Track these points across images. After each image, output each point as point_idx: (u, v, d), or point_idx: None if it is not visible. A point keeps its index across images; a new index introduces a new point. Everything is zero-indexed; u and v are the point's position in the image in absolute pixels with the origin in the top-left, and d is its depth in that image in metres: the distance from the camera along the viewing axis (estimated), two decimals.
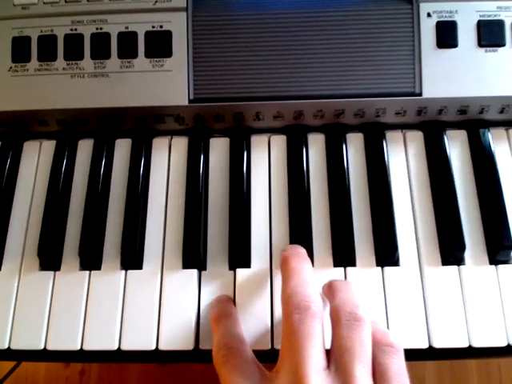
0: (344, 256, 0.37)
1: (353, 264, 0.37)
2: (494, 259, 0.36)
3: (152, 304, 0.35)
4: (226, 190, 0.39)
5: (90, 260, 0.37)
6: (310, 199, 0.39)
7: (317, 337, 0.28)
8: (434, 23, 0.38)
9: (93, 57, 0.39)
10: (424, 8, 0.38)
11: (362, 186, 0.39)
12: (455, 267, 0.36)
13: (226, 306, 0.35)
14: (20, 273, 0.37)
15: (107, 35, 0.39)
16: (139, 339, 0.35)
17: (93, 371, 0.78)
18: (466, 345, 0.34)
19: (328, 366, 0.27)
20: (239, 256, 0.37)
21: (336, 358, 0.28)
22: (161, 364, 0.76)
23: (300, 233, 0.37)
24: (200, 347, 0.34)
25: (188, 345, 0.34)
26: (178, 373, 0.76)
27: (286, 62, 0.38)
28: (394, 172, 0.40)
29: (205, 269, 0.37)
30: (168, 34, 0.39)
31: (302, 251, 0.34)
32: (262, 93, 0.38)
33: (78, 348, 0.35)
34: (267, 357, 0.34)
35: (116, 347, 0.34)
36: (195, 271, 0.36)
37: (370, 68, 0.38)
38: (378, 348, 0.29)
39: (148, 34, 0.39)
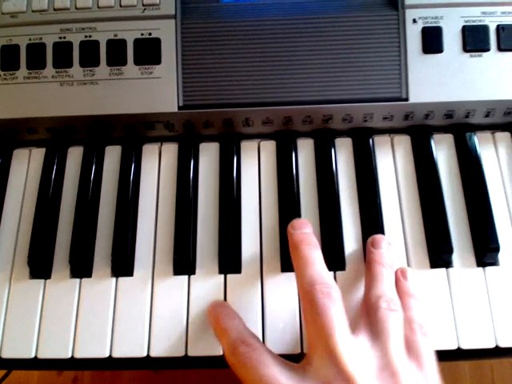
0: (335, 260, 0.37)
1: (342, 268, 0.37)
2: (482, 261, 0.37)
3: (143, 311, 0.36)
4: (217, 196, 0.40)
5: (81, 268, 0.37)
6: (299, 204, 0.39)
7: (342, 317, 0.29)
8: (420, 29, 0.39)
9: (82, 64, 0.39)
10: (410, 14, 0.39)
11: (351, 190, 0.40)
12: (443, 270, 0.37)
13: (227, 307, 0.35)
14: (10, 281, 0.37)
15: (96, 43, 0.39)
16: (130, 346, 0.35)
17: (86, 379, 0.77)
18: (455, 347, 0.34)
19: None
20: (230, 262, 0.37)
21: (374, 333, 0.30)
22: (154, 371, 0.76)
23: None
24: (188, 354, 0.34)
25: (179, 351, 0.34)
26: (172, 379, 0.76)
27: (275, 69, 0.39)
28: (383, 176, 0.40)
29: (195, 274, 0.37)
30: (157, 42, 0.39)
31: (310, 235, 0.34)
32: (251, 99, 0.39)
33: (69, 356, 0.35)
34: None
35: (107, 355, 0.34)
36: (186, 278, 0.36)
37: (358, 74, 0.39)
38: (410, 332, 0.31)
39: (137, 41, 0.39)
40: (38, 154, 0.42)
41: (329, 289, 0.30)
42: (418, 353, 0.30)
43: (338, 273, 0.37)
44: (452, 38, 0.39)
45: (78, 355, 0.34)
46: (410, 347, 0.30)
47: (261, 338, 0.34)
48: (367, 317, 0.31)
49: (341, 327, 0.29)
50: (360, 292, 0.35)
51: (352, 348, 0.28)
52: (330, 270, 0.36)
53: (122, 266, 0.37)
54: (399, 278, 0.35)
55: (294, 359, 0.34)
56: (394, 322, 0.30)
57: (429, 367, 0.29)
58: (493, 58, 0.39)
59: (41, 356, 0.35)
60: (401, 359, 0.29)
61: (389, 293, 0.32)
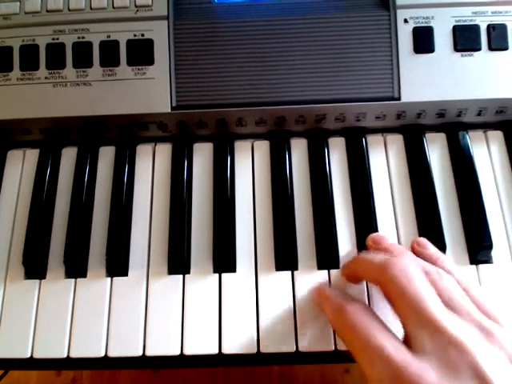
0: (328, 259, 0.37)
1: (336, 266, 0.37)
2: (475, 259, 0.37)
3: (138, 310, 0.36)
4: (211, 196, 0.40)
5: (76, 268, 0.37)
6: (293, 203, 0.39)
7: (431, 289, 0.29)
8: (411, 29, 0.39)
9: (75, 66, 0.39)
10: (401, 14, 0.39)
11: (344, 190, 0.40)
12: None
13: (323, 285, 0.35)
14: (5, 281, 0.37)
15: (89, 44, 0.39)
16: (126, 346, 0.35)
17: (85, 379, 0.77)
18: None
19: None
20: (224, 261, 0.37)
21: (450, 303, 0.28)
22: (153, 370, 0.76)
23: (284, 237, 0.38)
24: (184, 352, 0.34)
25: (175, 350, 0.35)
26: (171, 379, 0.76)
27: (267, 69, 0.39)
28: (376, 175, 0.40)
29: (189, 274, 0.37)
30: (150, 43, 0.39)
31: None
32: (244, 99, 0.39)
33: (65, 356, 0.35)
34: (254, 359, 0.35)
35: (103, 354, 0.35)
36: (180, 277, 0.37)
37: (350, 73, 0.39)
38: (466, 291, 0.30)
39: (130, 42, 0.39)
40: (32, 154, 0.42)
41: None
42: (486, 310, 0.29)
43: (332, 271, 0.37)
44: (443, 38, 0.39)
45: (73, 355, 0.35)
46: (478, 306, 0.29)
47: (255, 337, 0.35)
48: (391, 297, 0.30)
49: (433, 298, 0.28)
50: (354, 290, 0.36)
51: (448, 315, 0.27)
52: (323, 268, 0.37)
53: (117, 266, 0.37)
54: (421, 251, 0.34)
55: (289, 358, 0.35)
56: (454, 287, 0.29)
57: (505, 321, 0.28)
58: (484, 57, 0.39)
59: (36, 356, 0.35)
60: (486, 320, 0.28)
61: (428, 264, 0.31)
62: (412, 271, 0.29)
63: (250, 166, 0.41)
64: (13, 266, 0.38)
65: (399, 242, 0.38)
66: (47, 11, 0.39)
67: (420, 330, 0.27)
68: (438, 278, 0.29)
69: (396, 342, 0.27)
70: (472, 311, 0.28)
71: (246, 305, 0.36)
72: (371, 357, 0.27)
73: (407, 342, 0.28)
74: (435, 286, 0.29)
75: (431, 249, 0.34)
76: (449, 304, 0.28)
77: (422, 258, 0.33)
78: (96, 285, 0.37)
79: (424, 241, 0.35)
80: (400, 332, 0.29)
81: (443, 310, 0.27)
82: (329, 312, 0.32)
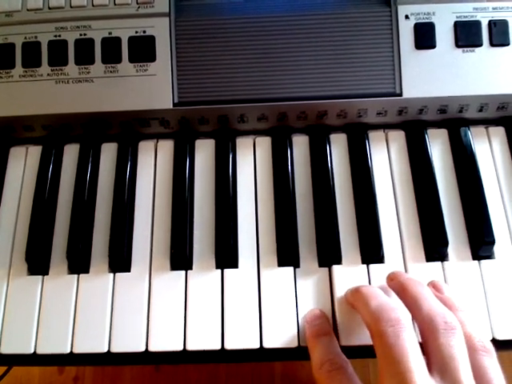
0: (330, 255, 0.37)
1: (339, 262, 0.37)
2: (477, 255, 0.37)
3: (141, 306, 0.36)
4: (213, 192, 0.40)
5: (78, 263, 0.37)
6: (295, 199, 0.39)
7: (415, 347, 0.28)
8: (412, 25, 0.39)
9: (77, 62, 0.39)
10: (402, 10, 0.39)
11: (346, 186, 0.40)
12: (439, 263, 0.37)
13: (324, 322, 0.34)
14: (8, 278, 0.37)
15: (91, 41, 0.39)
16: (129, 341, 0.35)
17: (87, 377, 0.77)
18: None
19: (431, 375, 0.27)
20: (226, 257, 0.37)
21: (441, 366, 0.27)
22: (155, 369, 0.76)
23: (286, 233, 0.38)
24: (187, 348, 0.35)
25: (177, 345, 0.35)
26: (173, 378, 0.76)
27: (269, 65, 0.39)
28: (378, 171, 0.40)
29: (192, 269, 0.37)
30: (151, 39, 0.39)
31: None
32: (246, 95, 0.39)
33: (68, 351, 0.35)
34: (256, 355, 0.35)
35: (106, 350, 0.35)
36: (183, 273, 0.37)
37: (351, 70, 0.39)
38: (474, 351, 0.28)
39: (131, 39, 0.39)
40: (35, 151, 0.42)
41: (397, 314, 0.29)
42: (485, 378, 0.27)
43: (334, 267, 0.37)
44: (444, 34, 0.39)
45: (76, 350, 0.35)
46: (479, 375, 0.27)
47: (258, 332, 0.35)
48: (425, 344, 0.29)
49: (416, 363, 0.27)
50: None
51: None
52: (326, 265, 0.37)
53: (120, 261, 0.37)
54: (435, 294, 0.32)
55: (290, 353, 0.35)
56: (458, 345, 0.28)
57: None
58: (485, 53, 0.39)
59: (40, 351, 0.35)
60: None
61: (439, 309, 0.30)
62: (403, 329, 0.28)
63: (251, 162, 0.41)
64: (16, 262, 0.38)
65: (401, 238, 0.38)
66: (49, 8, 0.40)
67: None
68: (443, 325, 0.28)
69: (422, 369, 0.27)
70: (463, 381, 0.26)
71: (248, 300, 0.36)
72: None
73: None
74: (436, 336, 0.28)
75: (446, 292, 0.33)
76: (442, 365, 0.27)
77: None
78: (99, 281, 0.37)
79: (440, 284, 0.34)
80: None
81: (424, 379, 0.26)
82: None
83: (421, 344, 0.29)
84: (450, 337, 0.28)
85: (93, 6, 0.39)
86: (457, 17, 0.39)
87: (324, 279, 0.37)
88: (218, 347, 0.35)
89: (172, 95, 0.39)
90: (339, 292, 0.36)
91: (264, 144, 0.42)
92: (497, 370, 0.28)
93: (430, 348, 0.28)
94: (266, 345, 0.34)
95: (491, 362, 0.28)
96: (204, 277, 0.37)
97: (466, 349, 0.28)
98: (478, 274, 0.36)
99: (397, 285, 0.33)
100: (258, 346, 0.35)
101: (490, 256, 0.37)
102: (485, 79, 0.39)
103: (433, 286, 0.34)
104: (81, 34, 0.39)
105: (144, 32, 0.39)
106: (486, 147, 0.41)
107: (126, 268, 0.37)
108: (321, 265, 0.37)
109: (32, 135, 0.42)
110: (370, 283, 0.36)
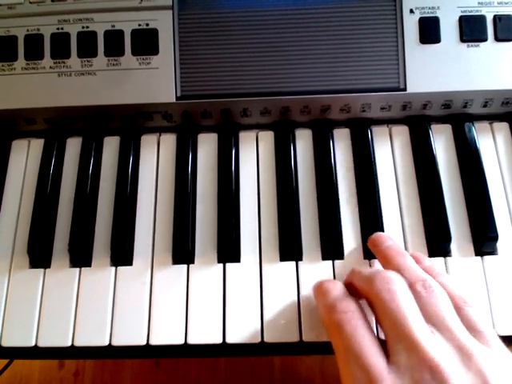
0: (333, 250, 0.37)
1: (341, 257, 0.37)
2: (480, 250, 0.37)
3: (142, 300, 0.36)
4: (215, 186, 0.40)
5: (80, 257, 0.37)
6: (298, 194, 0.39)
7: (413, 305, 0.28)
8: (417, 19, 0.39)
9: (80, 55, 0.39)
10: (407, 4, 0.39)
11: (349, 181, 0.40)
12: (441, 259, 0.37)
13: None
14: (10, 270, 0.37)
15: (94, 34, 0.39)
16: (130, 335, 0.35)
17: (87, 372, 0.77)
18: None
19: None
20: (228, 251, 0.37)
21: (430, 325, 0.28)
22: (156, 364, 0.76)
23: (288, 227, 0.38)
24: (188, 342, 0.35)
25: (179, 339, 0.35)
26: (173, 374, 0.76)
27: (272, 59, 0.39)
28: (381, 166, 0.40)
29: (194, 263, 0.37)
30: (154, 32, 0.39)
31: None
32: (249, 89, 0.39)
33: (69, 344, 0.35)
34: (258, 349, 0.35)
35: (107, 343, 0.35)
36: (185, 267, 0.37)
37: (355, 64, 0.39)
38: (459, 309, 0.29)
39: (134, 32, 0.39)
40: (37, 144, 0.42)
41: (395, 278, 0.29)
42: (476, 329, 0.28)
43: (337, 262, 0.37)
44: (449, 29, 0.39)
45: (77, 343, 0.35)
46: (467, 324, 0.28)
47: (259, 327, 0.35)
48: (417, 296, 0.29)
49: (415, 316, 0.27)
50: None
51: (427, 333, 0.27)
52: (328, 259, 0.37)
53: (122, 255, 0.37)
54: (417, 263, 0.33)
55: (293, 348, 0.35)
56: (442, 301, 0.29)
57: (494, 342, 0.27)
58: (490, 48, 0.39)
59: (41, 344, 0.35)
60: (469, 339, 0.27)
61: (420, 274, 0.31)
62: (397, 285, 0.29)
63: (254, 157, 0.41)
64: (17, 255, 0.38)
65: (404, 234, 0.38)
66: (52, 1, 0.39)
67: (397, 345, 0.26)
68: (423, 290, 0.29)
69: (377, 352, 0.27)
70: (455, 329, 0.27)
71: (250, 295, 0.36)
72: (349, 361, 0.27)
73: (388, 354, 0.27)
74: (420, 299, 0.29)
75: (426, 262, 0.34)
76: (431, 319, 0.28)
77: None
78: (100, 274, 0.37)
79: (419, 254, 0.35)
80: None
81: (422, 327, 0.27)
82: (320, 307, 0.31)
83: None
84: (432, 298, 0.29)
85: None
86: (462, 11, 0.39)
87: (327, 274, 0.36)
88: (220, 341, 0.34)
89: (175, 89, 0.39)
90: None
91: (267, 138, 0.42)
92: (485, 320, 0.29)
93: (419, 302, 0.29)
94: (268, 339, 0.34)
95: (478, 314, 0.29)
96: (206, 271, 0.37)
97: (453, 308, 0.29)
98: (481, 270, 0.36)
99: (380, 253, 0.35)
100: (259, 340, 0.34)
101: (493, 252, 0.37)
102: (489, 74, 0.39)
103: (414, 257, 0.34)
104: (83, 27, 0.39)
105: (147, 25, 0.39)
106: (490, 143, 0.41)
107: (128, 262, 0.37)
108: (324, 259, 0.37)
109: (34, 128, 0.42)
110: None
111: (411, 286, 0.30)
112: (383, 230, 0.37)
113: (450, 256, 0.37)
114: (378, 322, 0.29)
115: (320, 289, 0.32)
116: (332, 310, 0.29)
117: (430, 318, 0.28)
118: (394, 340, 0.27)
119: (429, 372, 0.25)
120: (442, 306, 0.28)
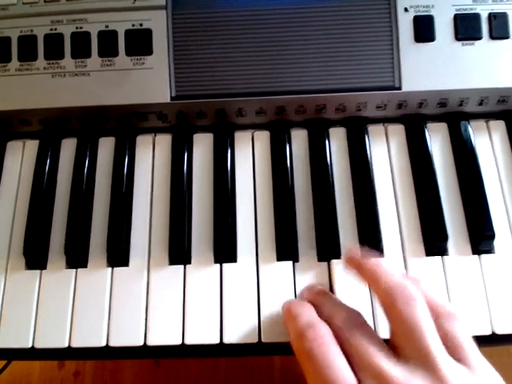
0: (329, 250, 0.37)
1: (338, 257, 0.37)
2: (477, 249, 0.37)
3: (139, 300, 0.36)
4: (211, 186, 0.40)
5: (76, 258, 0.37)
6: (294, 194, 0.39)
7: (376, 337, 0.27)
8: (412, 18, 0.39)
9: (73, 56, 0.39)
10: (401, 3, 0.39)
11: (345, 180, 0.40)
12: (439, 257, 0.37)
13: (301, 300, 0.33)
14: (6, 272, 0.37)
15: (87, 34, 0.39)
16: (127, 335, 0.35)
17: (87, 372, 0.77)
18: None
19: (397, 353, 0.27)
20: (225, 251, 0.37)
21: (405, 337, 0.26)
22: (155, 364, 0.76)
23: (284, 227, 0.38)
24: (185, 342, 0.35)
25: (176, 339, 0.35)
26: (173, 373, 0.76)
27: (267, 58, 0.39)
28: (377, 165, 0.40)
29: (190, 264, 0.37)
30: (148, 32, 0.39)
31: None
32: (244, 89, 0.39)
33: (66, 345, 0.35)
34: (255, 349, 0.35)
35: (104, 344, 0.35)
36: (181, 267, 0.37)
37: (350, 63, 0.39)
38: (438, 318, 0.27)
39: (128, 32, 0.39)
40: (32, 145, 0.42)
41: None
42: (459, 347, 0.26)
43: (334, 261, 0.37)
44: (444, 27, 0.39)
45: (74, 344, 0.35)
46: (448, 340, 0.26)
47: (256, 327, 0.35)
48: (388, 317, 0.28)
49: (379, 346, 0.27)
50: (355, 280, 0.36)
51: (391, 359, 0.26)
52: (325, 259, 0.37)
53: (118, 256, 0.37)
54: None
55: (290, 347, 0.35)
56: (421, 313, 0.27)
57: (478, 363, 0.26)
58: (485, 46, 0.39)
59: (38, 346, 0.35)
60: (446, 360, 0.25)
61: (399, 281, 0.28)
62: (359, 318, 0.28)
63: (250, 157, 0.41)
64: (13, 257, 0.38)
65: (401, 233, 0.38)
66: (45, 2, 0.39)
67: (363, 373, 0.26)
68: (399, 305, 0.27)
69: (348, 376, 0.26)
70: (434, 352, 0.25)
71: (247, 295, 0.36)
72: None
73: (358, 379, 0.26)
74: (394, 313, 0.27)
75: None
76: (404, 337, 0.26)
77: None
78: (97, 275, 0.37)
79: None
80: None
81: (387, 354, 0.26)
82: (290, 332, 0.30)
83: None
84: (411, 306, 0.27)
85: None
86: (456, 9, 0.39)
87: (323, 274, 0.36)
88: (217, 341, 0.34)
89: (169, 89, 0.39)
90: (338, 286, 0.36)
91: (263, 138, 0.42)
92: (465, 333, 0.27)
93: (393, 320, 0.28)
94: (265, 339, 0.34)
95: (459, 326, 0.27)
96: (203, 271, 0.37)
97: (431, 318, 0.27)
98: (478, 269, 0.36)
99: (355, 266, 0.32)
100: (256, 340, 0.34)
101: (490, 250, 0.37)
102: (485, 72, 0.39)
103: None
104: (77, 28, 0.39)
105: (141, 25, 0.39)
106: (486, 141, 0.41)
107: (125, 262, 0.37)
108: (320, 259, 0.37)
109: (29, 129, 0.42)
110: None
111: (388, 292, 0.28)
112: (380, 230, 0.37)
113: (446, 255, 0.37)
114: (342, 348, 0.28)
115: (288, 313, 0.31)
116: (301, 338, 0.28)
117: (406, 334, 0.26)
118: (358, 368, 0.26)
119: None
120: (422, 319, 0.26)
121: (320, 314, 0.30)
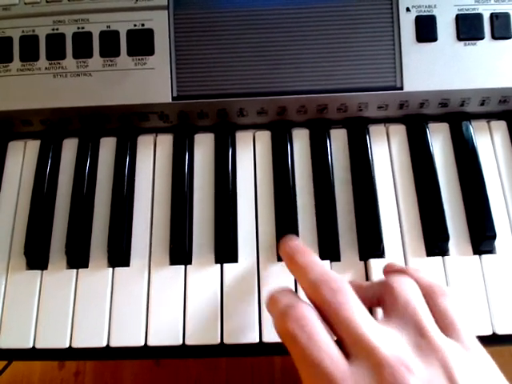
0: (329, 250, 0.37)
1: (337, 259, 0.37)
2: (478, 249, 0.37)
3: (140, 300, 0.36)
4: (212, 186, 0.40)
5: (77, 258, 0.37)
6: (295, 194, 0.39)
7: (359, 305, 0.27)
8: (414, 18, 0.39)
9: (75, 56, 0.39)
10: (403, 3, 0.39)
11: (346, 181, 0.40)
12: (440, 258, 0.37)
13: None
14: (7, 272, 0.37)
15: (89, 34, 0.39)
16: (128, 336, 0.35)
17: (87, 372, 0.77)
18: None
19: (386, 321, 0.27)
20: (226, 251, 0.37)
21: (397, 314, 0.27)
22: (156, 364, 0.76)
23: (286, 227, 0.37)
24: (186, 343, 0.35)
25: (176, 340, 0.35)
26: (174, 373, 0.76)
27: (269, 59, 0.39)
28: (378, 165, 0.40)
29: (191, 264, 0.37)
30: (150, 33, 0.39)
31: (300, 246, 0.32)
32: (245, 89, 0.39)
33: (67, 346, 0.35)
34: (256, 350, 0.35)
35: (105, 344, 0.35)
36: (182, 267, 0.37)
37: (352, 63, 0.38)
38: (430, 297, 0.28)
39: (130, 32, 0.39)
40: (33, 145, 0.42)
41: (340, 283, 0.27)
42: (450, 322, 0.27)
43: (334, 263, 0.37)
44: (446, 27, 0.39)
45: (75, 345, 0.35)
46: (440, 318, 0.27)
47: (257, 328, 0.35)
48: (383, 302, 0.28)
49: (362, 315, 0.26)
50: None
51: (381, 331, 0.25)
52: (326, 258, 0.37)
53: (119, 256, 0.37)
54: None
55: None
56: (410, 289, 0.27)
57: (469, 340, 0.26)
58: (487, 46, 0.39)
59: (39, 346, 0.35)
60: (437, 332, 0.25)
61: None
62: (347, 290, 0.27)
63: (251, 157, 0.41)
64: (14, 257, 0.38)
65: (402, 233, 0.38)
66: (47, 2, 0.39)
67: (354, 347, 0.25)
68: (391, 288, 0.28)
69: (336, 355, 0.25)
70: (424, 317, 0.26)
71: (248, 295, 0.36)
72: (310, 371, 0.26)
73: (347, 354, 0.26)
74: (386, 295, 0.28)
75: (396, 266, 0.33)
76: (396, 315, 0.27)
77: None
78: (98, 275, 0.37)
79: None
80: None
81: (374, 327, 0.25)
82: (272, 317, 0.29)
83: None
84: (401, 285, 0.28)
85: None
86: (458, 10, 0.39)
87: None
88: (217, 342, 0.34)
89: (171, 89, 0.39)
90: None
91: (264, 138, 0.42)
92: (457, 309, 0.27)
93: (385, 303, 0.28)
94: (266, 339, 0.34)
95: (450, 302, 0.28)
96: (203, 271, 0.37)
97: (423, 296, 0.28)
98: (479, 269, 0.36)
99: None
100: (257, 340, 0.34)
101: (491, 251, 0.37)
102: (486, 72, 0.38)
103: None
104: (78, 28, 0.39)
105: (142, 25, 0.39)
106: (487, 141, 0.41)
107: (125, 263, 0.37)
108: (321, 258, 0.37)
109: (30, 130, 0.42)
110: (369, 278, 0.36)
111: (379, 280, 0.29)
112: (381, 230, 0.37)
113: (448, 255, 0.37)
114: (330, 327, 0.27)
115: (270, 299, 0.30)
116: (284, 319, 0.27)
117: (398, 312, 0.27)
118: (349, 343, 0.26)
119: (387, 370, 0.24)
120: (411, 293, 0.27)
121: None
